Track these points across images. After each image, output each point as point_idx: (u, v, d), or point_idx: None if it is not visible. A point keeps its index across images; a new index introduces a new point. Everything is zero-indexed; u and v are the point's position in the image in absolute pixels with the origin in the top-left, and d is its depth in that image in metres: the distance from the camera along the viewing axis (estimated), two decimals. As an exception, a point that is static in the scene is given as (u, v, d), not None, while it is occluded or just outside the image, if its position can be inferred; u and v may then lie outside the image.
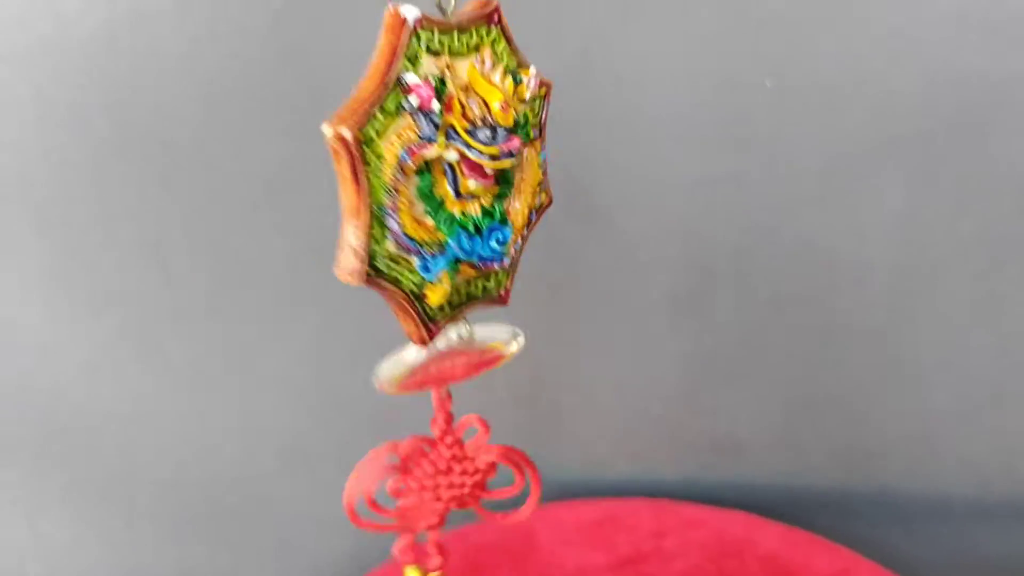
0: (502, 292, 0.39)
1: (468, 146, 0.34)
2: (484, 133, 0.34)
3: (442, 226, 0.35)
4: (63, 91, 0.69)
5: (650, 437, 0.84)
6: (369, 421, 0.85)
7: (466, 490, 0.47)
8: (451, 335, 0.39)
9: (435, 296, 0.35)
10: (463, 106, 0.34)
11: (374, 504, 0.47)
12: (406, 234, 0.34)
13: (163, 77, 0.69)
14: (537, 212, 0.39)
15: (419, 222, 0.34)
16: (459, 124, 0.34)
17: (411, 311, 0.35)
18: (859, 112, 0.72)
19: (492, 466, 0.47)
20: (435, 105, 0.33)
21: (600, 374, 0.81)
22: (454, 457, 0.46)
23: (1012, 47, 0.69)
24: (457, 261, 0.36)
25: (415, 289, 0.35)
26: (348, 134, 0.31)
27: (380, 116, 0.32)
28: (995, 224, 0.75)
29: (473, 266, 0.36)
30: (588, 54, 0.71)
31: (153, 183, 0.73)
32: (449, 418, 0.45)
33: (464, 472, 0.46)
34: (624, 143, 0.74)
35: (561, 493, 0.86)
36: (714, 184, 0.75)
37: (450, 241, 0.35)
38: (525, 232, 0.39)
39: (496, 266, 0.37)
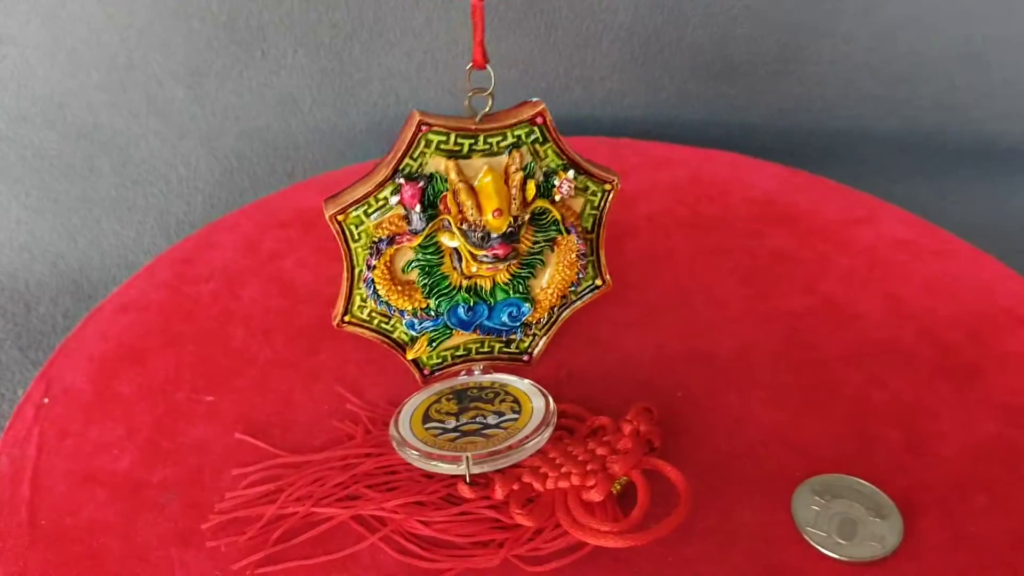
0: (525, 359, 0.45)
1: (459, 240, 0.39)
2: (476, 235, 0.39)
3: (432, 302, 0.41)
4: None
5: (614, 57, 0.62)
6: (225, 28, 0.62)
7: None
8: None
9: (411, 352, 0.42)
10: (460, 208, 0.38)
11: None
12: (384, 301, 0.40)
13: None
14: (588, 292, 0.44)
15: (401, 292, 0.41)
16: (455, 220, 0.39)
17: (401, 357, 0.43)
18: None
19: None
20: (418, 208, 0.38)
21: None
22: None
23: None
24: (447, 327, 0.42)
25: (405, 340, 0.42)
26: (328, 215, 0.38)
27: (374, 202, 0.39)
28: None
29: (480, 334, 0.43)
30: None
31: None
32: None
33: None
34: None
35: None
36: None
37: (444, 314, 0.42)
38: (555, 311, 0.43)
39: (509, 336, 0.43)
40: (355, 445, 0.40)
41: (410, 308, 0.41)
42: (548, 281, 0.42)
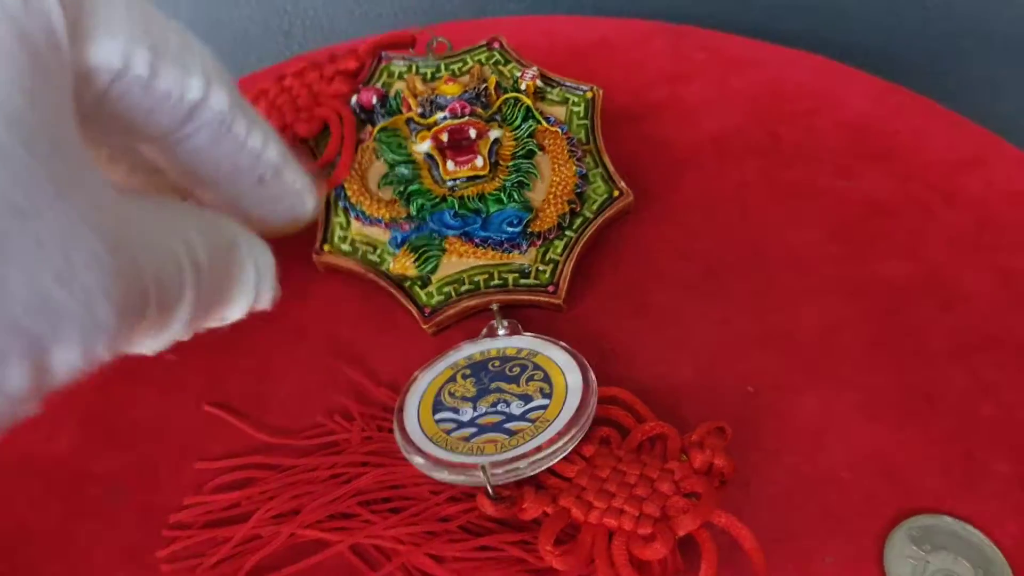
0: (551, 290, 0.37)
1: (415, 124, 0.39)
2: (425, 108, 0.39)
3: (413, 210, 0.38)
4: None
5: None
6: None
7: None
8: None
9: (396, 265, 0.37)
10: (414, 92, 0.40)
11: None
12: (356, 208, 0.38)
13: None
14: (605, 207, 0.39)
15: (374, 199, 0.38)
16: (415, 116, 0.39)
17: (399, 296, 0.37)
18: None
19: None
20: (378, 107, 0.40)
21: None
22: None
23: None
24: (434, 235, 0.37)
25: (397, 273, 0.38)
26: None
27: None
28: None
29: (476, 243, 0.37)
30: None
31: None
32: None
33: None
34: None
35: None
36: None
37: (428, 219, 0.38)
38: (567, 221, 0.38)
39: (512, 246, 0.37)
40: (350, 448, 0.32)
41: (387, 216, 0.38)
42: (547, 184, 0.39)
